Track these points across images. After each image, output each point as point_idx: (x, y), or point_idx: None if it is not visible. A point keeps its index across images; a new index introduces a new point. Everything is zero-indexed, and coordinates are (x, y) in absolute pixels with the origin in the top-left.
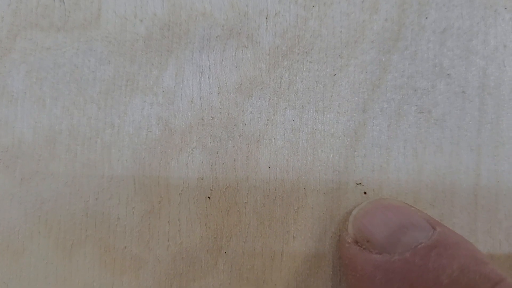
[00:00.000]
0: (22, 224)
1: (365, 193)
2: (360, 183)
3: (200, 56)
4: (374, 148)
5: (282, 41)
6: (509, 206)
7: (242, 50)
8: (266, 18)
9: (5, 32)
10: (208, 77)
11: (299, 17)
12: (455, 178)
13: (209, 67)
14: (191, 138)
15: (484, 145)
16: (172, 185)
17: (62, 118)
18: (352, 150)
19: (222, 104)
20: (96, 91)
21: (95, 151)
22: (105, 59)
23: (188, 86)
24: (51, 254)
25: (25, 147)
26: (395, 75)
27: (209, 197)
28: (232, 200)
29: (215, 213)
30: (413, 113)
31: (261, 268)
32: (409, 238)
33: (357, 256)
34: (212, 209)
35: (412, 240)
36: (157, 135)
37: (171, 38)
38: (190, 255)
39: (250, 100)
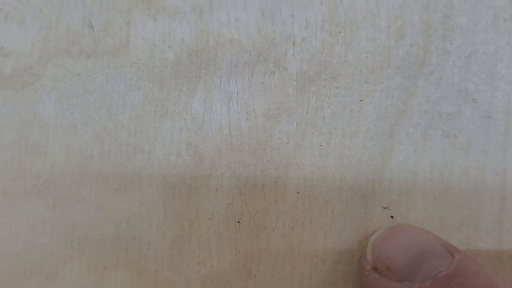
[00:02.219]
0: (55, 248)
1: (392, 217)
2: (387, 207)
3: (228, 82)
4: (400, 172)
5: (309, 67)
6: None
7: (269, 76)
8: (293, 44)
9: (36, 59)
10: (236, 103)
11: (325, 43)
12: (480, 202)
13: (237, 93)
14: (220, 163)
15: (509, 170)
16: (202, 209)
17: (93, 144)
18: (379, 174)
19: (251, 130)
20: (126, 117)
21: (125, 176)
22: (134, 85)
23: (216, 112)
24: (84, 278)
25: (57, 173)
26: (420, 100)
27: (238, 222)
28: (261, 224)
29: (245, 237)
30: (439, 137)
31: None
32: (429, 266)
33: (377, 284)
34: (242, 233)
35: (432, 268)
36: (186, 161)
37: (199, 64)
38: (220, 279)
39: (278, 126)
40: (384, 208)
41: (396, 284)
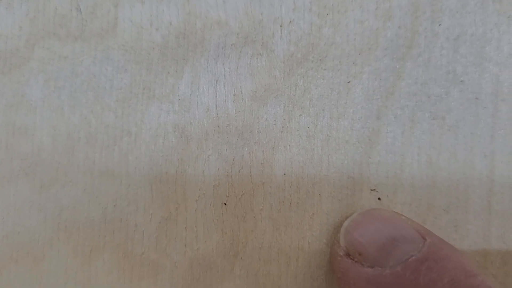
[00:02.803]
0: (42, 230)
1: (379, 199)
2: (374, 189)
3: (216, 64)
4: (388, 154)
5: (297, 49)
6: None
7: (257, 58)
8: (281, 26)
9: (23, 42)
10: (224, 85)
11: (313, 25)
12: (468, 184)
13: (225, 75)
14: (207, 145)
15: (498, 151)
16: (188, 191)
17: (80, 126)
18: (367, 156)
19: (238, 112)
20: (113, 99)
21: (112, 159)
22: (122, 67)
23: (204, 94)
24: (70, 260)
25: (44, 155)
26: (408, 82)
27: (225, 204)
28: (248, 207)
29: (231, 219)
30: (427, 119)
31: (277, 273)
32: (400, 251)
33: (350, 270)
34: (228, 215)
35: (403, 253)
36: (173, 143)
37: (186, 46)
38: (207, 261)
39: (265, 108)
40: (371, 190)
41: (367, 269)
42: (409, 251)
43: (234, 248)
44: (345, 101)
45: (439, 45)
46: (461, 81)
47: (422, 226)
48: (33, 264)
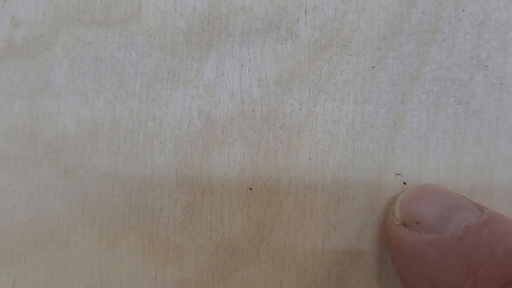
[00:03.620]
0: (66, 216)
1: (404, 183)
2: (399, 174)
3: (240, 49)
4: (413, 139)
5: (321, 34)
6: None
7: (281, 43)
8: (305, 12)
9: (47, 27)
10: (248, 70)
11: (337, 10)
12: (493, 169)
13: (249, 60)
14: (232, 130)
15: None
16: (214, 176)
17: (104, 111)
18: (391, 141)
19: (263, 97)
20: (137, 85)
21: (137, 144)
22: (146, 53)
23: (228, 79)
24: (95, 245)
25: (69, 140)
26: (433, 67)
27: (250, 188)
28: (274, 191)
29: (257, 204)
30: (451, 104)
31: (302, 258)
32: (460, 218)
33: (407, 237)
34: (254, 200)
35: (463, 220)
36: (198, 128)
37: (211, 31)
38: (232, 245)
39: (290, 92)
40: (397, 174)
41: (427, 235)
42: (468, 219)
43: (260, 232)
44: (370, 86)
45: (463, 31)
46: (485, 66)
47: (476, 202)
48: (57, 249)
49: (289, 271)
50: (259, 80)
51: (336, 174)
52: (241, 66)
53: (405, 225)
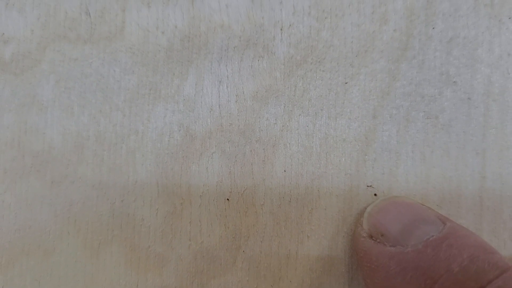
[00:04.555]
0: (52, 224)
1: (375, 195)
2: (370, 186)
3: (219, 66)
4: (383, 152)
5: (296, 51)
6: None
7: (258, 60)
8: (281, 30)
9: (35, 44)
10: (227, 86)
11: (312, 28)
12: (461, 181)
13: (227, 76)
14: (210, 143)
15: (489, 149)
16: (193, 187)
17: (89, 125)
18: (363, 154)
19: (240, 111)
20: (121, 100)
21: (120, 156)
22: (129, 69)
23: (207, 95)
24: (80, 253)
25: (55, 153)
26: (403, 83)
27: (228, 199)
28: (250, 202)
29: (234, 214)
30: (421, 119)
31: (277, 266)
32: (421, 232)
33: (372, 249)
34: (231, 210)
35: (424, 234)
36: (178, 141)
37: (191, 49)
38: (210, 254)
39: (266, 108)
40: (368, 186)
41: (390, 248)
42: (430, 232)
43: (237, 241)
44: (343, 101)
45: (433, 48)
46: (454, 82)
47: (440, 214)
48: (44, 257)
49: (265, 278)
50: (236, 95)
51: (309, 186)
52: (220, 82)
53: (371, 237)
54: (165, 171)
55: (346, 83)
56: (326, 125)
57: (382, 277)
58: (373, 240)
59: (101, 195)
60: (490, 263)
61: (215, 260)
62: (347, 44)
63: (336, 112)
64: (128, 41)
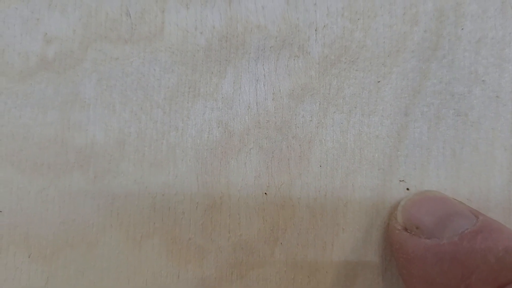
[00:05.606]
0: (95, 218)
1: (407, 189)
2: (403, 180)
3: (256, 65)
4: (415, 148)
5: (331, 51)
6: None
7: (294, 59)
8: (316, 30)
9: (77, 44)
10: (263, 84)
11: (345, 29)
12: (490, 176)
13: (264, 75)
14: (248, 139)
15: None
16: (232, 182)
17: (130, 122)
18: (396, 150)
19: (277, 109)
20: (161, 97)
21: (161, 152)
22: (169, 68)
23: (245, 93)
24: (122, 245)
25: (97, 148)
26: (434, 82)
27: (265, 193)
28: (287, 196)
29: (271, 207)
30: (451, 116)
31: (313, 257)
32: (456, 225)
33: (408, 241)
34: (269, 204)
35: (458, 227)
36: (217, 137)
37: (229, 48)
38: (249, 246)
39: (302, 105)
40: (400, 181)
41: (426, 240)
42: (464, 225)
43: (274, 234)
44: (376, 99)
45: (462, 48)
46: (483, 80)
47: (472, 208)
48: (87, 249)
49: (301, 269)
50: (273, 93)
51: (344, 180)
52: (257, 80)
53: (406, 229)
54: (204, 166)
55: (378, 82)
56: (360, 122)
57: (419, 268)
58: (408, 232)
59: (143, 189)
60: None
61: (254, 252)
62: (379, 44)
63: (370, 110)
64: (168, 41)
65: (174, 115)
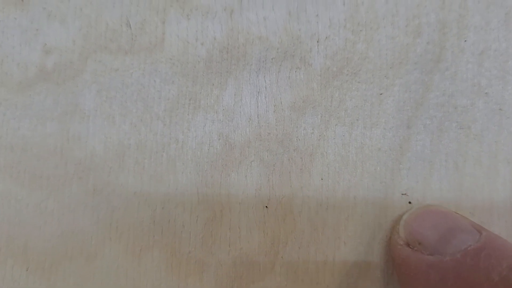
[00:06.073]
0: (94, 230)
1: (410, 202)
2: (405, 194)
3: (257, 77)
4: (418, 161)
5: (333, 63)
6: None
7: (295, 71)
8: (317, 42)
9: (77, 55)
10: (265, 96)
11: (347, 40)
12: (493, 189)
13: (265, 87)
14: (249, 152)
15: None
16: (232, 195)
17: (130, 134)
18: (398, 163)
19: (278, 121)
20: (161, 109)
21: (161, 164)
22: (169, 79)
23: (246, 105)
24: (121, 259)
25: (97, 160)
26: (436, 94)
27: (266, 206)
28: (288, 209)
29: (272, 221)
30: (453, 129)
31: (314, 271)
32: (458, 241)
33: (410, 257)
34: (270, 217)
35: (461, 243)
36: (218, 150)
37: (230, 60)
38: (249, 259)
39: (304, 117)
40: (402, 194)
41: (428, 257)
42: (467, 241)
43: (275, 247)
44: (378, 112)
45: (465, 60)
46: (486, 93)
47: (475, 223)
48: (86, 262)
49: (302, 283)
50: (274, 105)
51: (346, 193)
52: (258, 92)
53: (408, 245)
54: (205, 178)
55: (381, 94)
56: (362, 135)
57: (422, 285)
58: (411, 248)
59: (142, 202)
60: None
61: (254, 266)
62: (381, 56)
63: (372, 122)
64: (168, 52)
65: (174, 127)
